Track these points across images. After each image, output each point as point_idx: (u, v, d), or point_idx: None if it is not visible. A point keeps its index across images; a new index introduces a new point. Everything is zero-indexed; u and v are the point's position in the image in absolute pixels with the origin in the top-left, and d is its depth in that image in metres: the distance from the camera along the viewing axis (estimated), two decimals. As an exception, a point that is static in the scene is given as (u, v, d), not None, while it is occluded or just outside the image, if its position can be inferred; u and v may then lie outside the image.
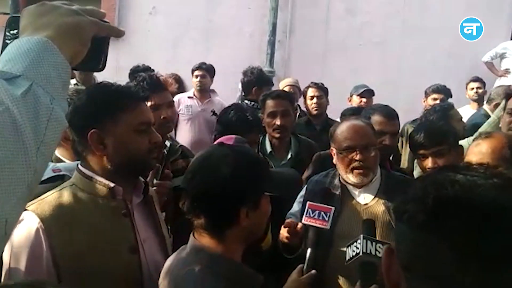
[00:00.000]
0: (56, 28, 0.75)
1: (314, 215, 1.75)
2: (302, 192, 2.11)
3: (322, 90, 3.99)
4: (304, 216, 1.77)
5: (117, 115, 1.36)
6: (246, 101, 3.71)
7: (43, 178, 1.52)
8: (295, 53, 5.91)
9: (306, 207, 1.78)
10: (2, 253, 1.17)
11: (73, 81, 3.89)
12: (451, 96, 4.41)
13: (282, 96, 2.92)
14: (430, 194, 0.67)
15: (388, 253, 0.75)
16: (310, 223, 1.75)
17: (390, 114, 2.51)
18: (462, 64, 5.69)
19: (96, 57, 0.84)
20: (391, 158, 2.81)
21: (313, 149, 2.82)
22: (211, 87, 4.86)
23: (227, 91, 5.13)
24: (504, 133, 1.77)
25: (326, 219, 1.74)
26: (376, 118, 2.45)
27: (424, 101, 4.38)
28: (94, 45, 0.81)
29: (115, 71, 5.02)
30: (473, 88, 5.04)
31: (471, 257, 0.62)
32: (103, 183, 1.36)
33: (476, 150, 1.75)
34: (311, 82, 4.10)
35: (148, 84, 2.16)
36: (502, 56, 5.67)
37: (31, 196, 0.69)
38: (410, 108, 4.61)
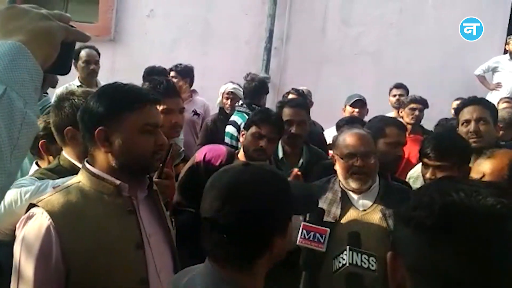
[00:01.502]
0: (28, 33, 0.75)
1: (309, 237, 1.73)
2: None
3: None
4: (298, 238, 1.74)
5: (124, 115, 1.38)
6: (253, 106, 3.64)
7: None
8: (291, 60, 5.94)
9: (301, 228, 1.75)
10: None
11: (76, 82, 3.84)
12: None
13: (301, 105, 2.95)
14: (436, 201, 0.72)
15: (392, 257, 0.80)
16: (305, 245, 1.72)
17: (403, 126, 2.64)
18: (455, 75, 5.78)
19: (63, 61, 0.85)
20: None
21: (323, 159, 2.84)
22: (193, 88, 4.68)
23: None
24: (509, 152, 1.75)
25: (322, 241, 1.72)
26: (392, 130, 2.51)
27: (401, 112, 4.12)
28: (62, 49, 0.82)
29: (111, 73, 5.00)
30: (395, 95, 4.77)
31: (474, 259, 0.68)
32: (109, 181, 1.39)
33: (478, 169, 1.74)
34: None
35: (164, 88, 2.22)
36: (494, 70, 5.75)
37: (2, 199, 0.70)
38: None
